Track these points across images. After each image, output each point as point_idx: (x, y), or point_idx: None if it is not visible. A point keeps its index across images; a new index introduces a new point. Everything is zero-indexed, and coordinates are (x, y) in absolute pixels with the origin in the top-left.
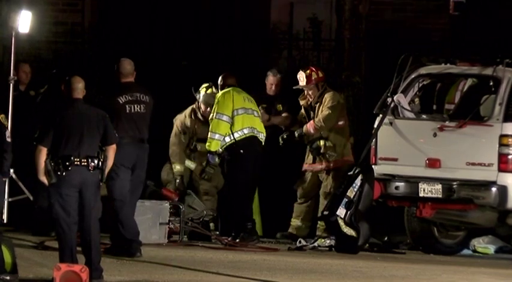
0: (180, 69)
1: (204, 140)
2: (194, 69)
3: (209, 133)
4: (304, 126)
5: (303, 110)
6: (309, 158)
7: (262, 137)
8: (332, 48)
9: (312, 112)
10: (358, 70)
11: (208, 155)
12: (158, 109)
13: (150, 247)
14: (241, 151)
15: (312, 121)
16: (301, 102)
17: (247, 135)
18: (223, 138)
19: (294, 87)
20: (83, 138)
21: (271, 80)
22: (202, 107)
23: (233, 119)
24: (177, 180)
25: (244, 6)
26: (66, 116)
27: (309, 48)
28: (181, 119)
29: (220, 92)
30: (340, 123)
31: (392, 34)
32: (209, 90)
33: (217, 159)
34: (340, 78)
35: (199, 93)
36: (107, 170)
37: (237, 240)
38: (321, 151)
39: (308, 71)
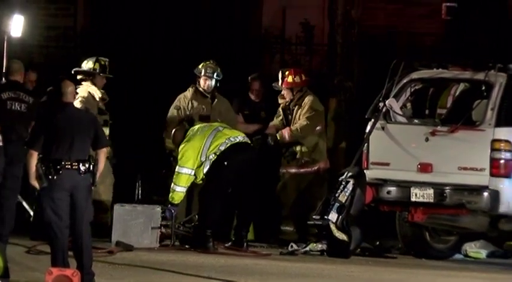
0: (176, 73)
1: (203, 117)
2: (191, 74)
3: (172, 185)
4: (280, 132)
5: (280, 111)
6: (284, 160)
7: (241, 138)
8: (324, 53)
9: (289, 115)
10: (350, 75)
11: (169, 207)
12: (155, 112)
13: (142, 251)
14: (225, 163)
15: (288, 128)
16: (280, 101)
17: (227, 147)
18: (209, 157)
19: (272, 84)
20: (74, 142)
21: (251, 84)
22: (202, 81)
23: (210, 146)
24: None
25: (236, 11)
26: (56, 120)
27: (301, 52)
28: (179, 96)
29: (182, 144)
30: (317, 128)
31: (385, 39)
32: (207, 62)
33: (174, 211)
34: (332, 82)
35: (197, 68)
36: (98, 174)
37: (193, 245)
38: (297, 156)
39: (287, 73)
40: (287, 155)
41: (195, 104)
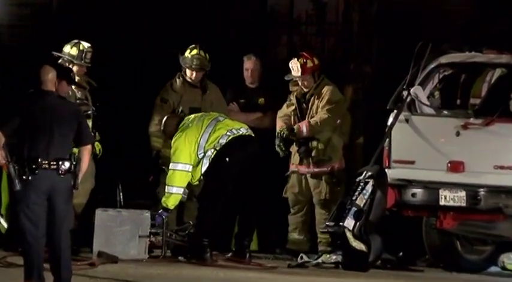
0: (166, 58)
1: (194, 109)
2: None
3: (166, 187)
4: (297, 125)
5: (293, 100)
6: (295, 157)
7: (244, 131)
8: (339, 33)
9: (304, 104)
10: (368, 59)
11: (161, 212)
12: (140, 106)
13: (128, 263)
14: (227, 159)
15: (306, 121)
16: (293, 88)
17: (228, 140)
18: (207, 154)
19: (286, 78)
20: (53, 138)
21: (246, 65)
22: (188, 72)
23: (209, 138)
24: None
25: None
26: (33, 111)
27: (312, 33)
28: (166, 87)
29: (175, 136)
30: (338, 121)
31: (409, 17)
32: (194, 52)
33: (165, 217)
34: (348, 68)
35: (183, 56)
36: (80, 175)
37: (188, 256)
38: (312, 154)
39: (302, 59)
40: (301, 152)
41: (184, 95)
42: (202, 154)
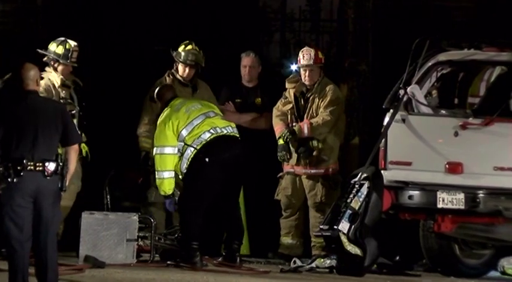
0: (152, 55)
1: None
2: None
3: (156, 173)
4: (298, 126)
5: (290, 97)
6: (292, 158)
7: (229, 130)
8: (333, 30)
9: (302, 102)
10: (364, 56)
11: (166, 200)
12: (128, 105)
13: (116, 268)
14: (207, 160)
15: (307, 122)
16: (290, 86)
17: (209, 139)
18: (185, 153)
19: (295, 66)
20: (38, 138)
21: (244, 62)
22: (181, 68)
23: (192, 131)
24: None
25: None
26: (16, 111)
27: (305, 30)
28: (155, 85)
29: (160, 119)
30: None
31: (405, 13)
32: (189, 47)
33: (171, 202)
34: (343, 66)
35: (177, 52)
36: (68, 176)
37: (177, 260)
38: (313, 154)
39: (314, 49)
40: (302, 152)
41: None
42: (181, 145)
